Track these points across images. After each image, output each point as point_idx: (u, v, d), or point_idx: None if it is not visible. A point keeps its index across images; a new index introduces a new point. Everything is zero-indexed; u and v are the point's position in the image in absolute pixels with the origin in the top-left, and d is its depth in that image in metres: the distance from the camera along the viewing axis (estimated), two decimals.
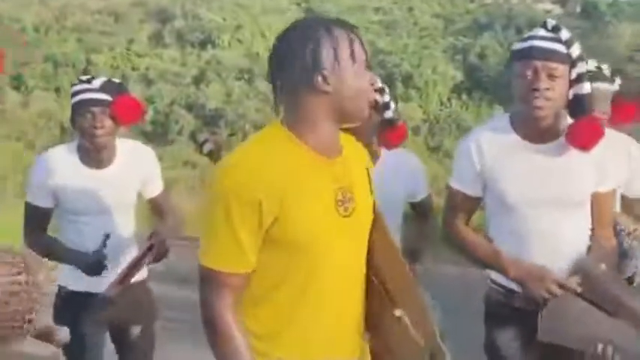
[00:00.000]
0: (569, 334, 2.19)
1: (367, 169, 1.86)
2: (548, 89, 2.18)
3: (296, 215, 1.79)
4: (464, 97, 30.22)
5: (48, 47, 31.87)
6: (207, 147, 29.51)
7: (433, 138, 28.66)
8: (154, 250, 2.99)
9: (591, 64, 2.74)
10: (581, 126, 2.25)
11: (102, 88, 3.00)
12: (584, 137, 2.25)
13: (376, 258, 1.85)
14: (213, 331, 1.91)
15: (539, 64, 2.20)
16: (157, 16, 35.92)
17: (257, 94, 31.51)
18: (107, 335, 3.28)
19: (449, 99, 30.86)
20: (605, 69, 2.82)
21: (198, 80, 31.80)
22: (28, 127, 26.40)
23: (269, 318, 1.89)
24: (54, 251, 3.09)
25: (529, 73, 2.20)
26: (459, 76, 30.83)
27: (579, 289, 2.19)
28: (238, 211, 1.76)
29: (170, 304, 3.14)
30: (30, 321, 2.10)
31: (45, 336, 2.19)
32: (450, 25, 35.66)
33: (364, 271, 1.89)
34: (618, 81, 2.83)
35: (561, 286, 2.21)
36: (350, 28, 1.81)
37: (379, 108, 2.91)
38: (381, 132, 2.90)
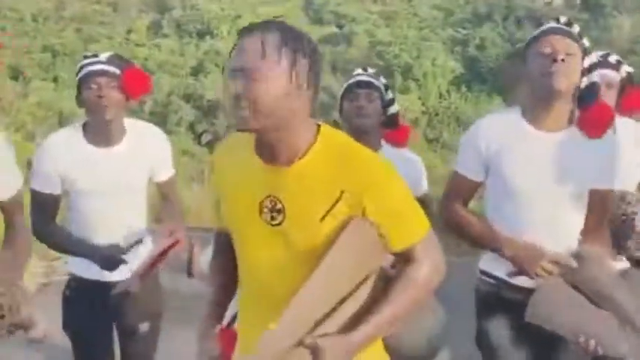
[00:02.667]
0: (555, 319, 2.19)
1: (342, 191, 1.73)
2: (565, 63, 2.19)
3: (226, 204, 1.90)
4: (463, 88, 30.18)
5: (46, 37, 31.78)
6: (205, 138, 29.52)
7: (432, 130, 28.66)
8: (178, 246, 2.88)
9: (598, 54, 2.75)
10: (593, 112, 2.26)
11: (109, 61, 2.89)
12: (598, 124, 2.26)
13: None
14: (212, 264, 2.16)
15: (557, 38, 2.22)
16: (155, 6, 35.84)
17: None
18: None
19: (448, 91, 30.82)
20: (612, 57, 2.80)
21: (196, 71, 31.76)
22: (27, 118, 26.35)
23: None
24: (65, 244, 2.97)
25: (547, 49, 2.21)
26: (459, 67, 30.79)
27: (574, 265, 2.19)
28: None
29: (169, 294, 3.14)
30: (2, 317, 2.09)
31: (23, 327, 2.17)
32: (449, 16, 35.59)
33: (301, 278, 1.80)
34: (626, 68, 2.81)
35: (555, 262, 2.21)
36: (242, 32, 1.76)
37: (381, 104, 2.86)
38: (386, 131, 2.87)
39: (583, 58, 2.26)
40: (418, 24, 35.21)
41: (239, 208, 1.82)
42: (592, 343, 2.14)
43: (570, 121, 2.30)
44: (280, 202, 1.73)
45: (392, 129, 2.89)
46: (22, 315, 2.15)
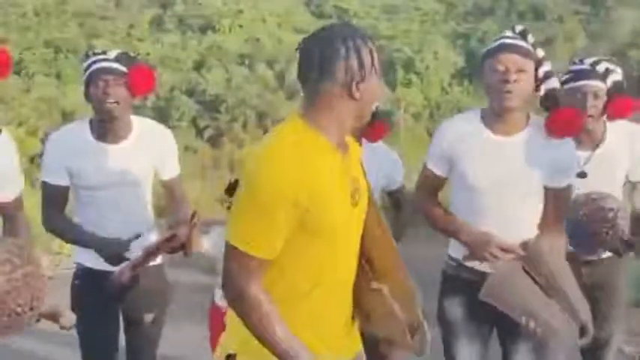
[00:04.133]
0: (505, 299, 2.52)
1: (360, 161, 2.03)
2: (516, 81, 2.44)
3: (324, 207, 1.91)
4: (465, 82, 30.16)
5: (49, 32, 31.80)
6: (207, 133, 29.57)
7: (434, 123, 28.64)
8: (175, 241, 2.96)
9: (586, 64, 2.93)
10: (560, 117, 2.49)
11: (116, 59, 2.98)
12: (564, 127, 2.51)
13: (366, 237, 1.97)
14: (241, 302, 2.01)
15: (508, 57, 2.48)
16: (157, 1, 35.81)
17: (258, 80, 31.41)
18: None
19: (450, 85, 30.78)
20: (600, 66, 2.91)
21: (198, 66, 31.74)
22: (30, 113, 26.39)
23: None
24: (74, 235, 3.09)
25: (499, 67, 2.46)
26: (461, 61, 30.75)
27: (522, 253, 2.46)
28: (273, 203, 1.87)
29: (176, 288, 3.18)
30: (32, 309, 2.15)
31: (50, 317, 2.24)
32: (451, 9, 35.52)
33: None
34: (614, 78, 2.93)
35: (504, 249, 2.48)
36: (368, 37, 2.00)
37: None
38: (365, 126, 3.01)
39: (538, 67, 2.49)
40: (420, 18, 35.13)
41: (334, 207, 1.91)
42: (532, 324, 2.44)
43: (525, 124, 2.53)
44: (357, 182, 1.94)
45: (370, 125, 3.04)
46: (47, 305, 2.22)
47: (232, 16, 35.41)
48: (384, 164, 3.00)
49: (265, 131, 29.97)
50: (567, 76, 2.95)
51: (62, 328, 2.30)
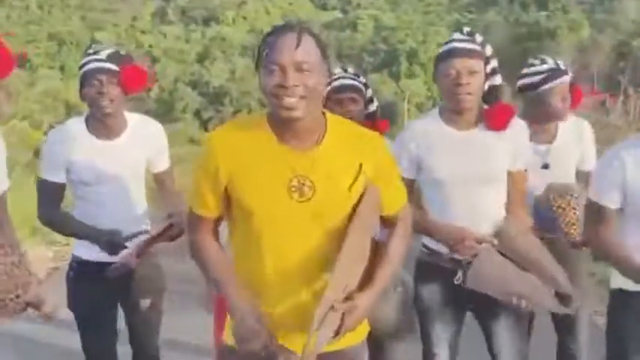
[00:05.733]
0: (489, 284, 2.56)
1: (360, 164, 1.99)
2: (469, 84, 2.57)
3: (242, 188, 2.00)
4: None
5: (52, 25, 31.84)
6: (212, 124, 29.59)
7: None
8: (172, 230, 3.05)
9: (551, 62, 3.16)
10: (496, 110, 2.69)
11: (108, 58, 3.06)
12: (499, 120, 2.67)
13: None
14: (191, 250, 2.16)
15: (459, 62, 2.61)
16: None
17: None
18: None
19: None
20: (562, 64, 3.14)
21: (202, 58, 31.80)
22: (34, 106, 26.49)
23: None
24: (70, 227, 3.15)
25: (452, 71, 2.59)
26: None
27: (495, 242, 2.57)
28: (203, 169, 2.02)
29: (173, 277, 3.22)
30: (18, 296, 2.18)
31: (34, 305, 2.27)
32: (455, 0, 35.44)
33: (331, 247, 2.04)
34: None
35: (479, 241, 2.58)
36: (280, 29, 1.98)
37: (364, 102, 3.07)
38: (364, 125, 3.09)
39: (487, 64, 2.62)
40: (423, 8, 35.07)
41: (262, 190, 1.96)
42: (523, 302, 2.54)
43: (480, 118, 2.69)
44: (309, 179, 1.93)
45: (371, 124, 3.09)
46: (32, 293, 2.25)
47: (236, 7, 35.45)
48: None
49: None
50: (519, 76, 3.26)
51: (45, 315, 2.33)
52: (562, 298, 2.53)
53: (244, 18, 33.68)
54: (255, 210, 1.99)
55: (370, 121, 3.09)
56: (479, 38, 2.65)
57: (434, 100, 29.82)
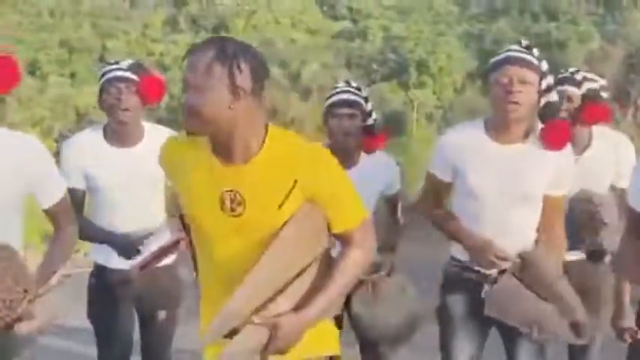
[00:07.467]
0: (507, 312, 2.55)
1: (295, 180, 1.95)
2: (520, 92, 2.51)
3: (184, 199, 2.07)
4: (478, 83, 30.15)
5: (63, 32, 32.03)
6: None
7: (446, 124, 28.65)
8: (179, 245, 3.03)
9: (569, 71, 3.14)
10: (553, 128, 2.61)
11: (129, 69, 3.11)
12: (555, 138, 2.59)
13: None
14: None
15: (512, 70, 2.56)
16: (171, 1, 36.03)
17: (270, 80, 31.37)
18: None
19: (463, 85, 30.78)
20: (579, 75, 3.12)
21: None
22: (45, 113, 26.60)
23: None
24: (89, 233, 3.17)
25: (504, 79, 2.53)
26: (474, 62, 30.75)
27: (517, 260, 2.54)
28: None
29: (188, 285, 3.22)
30: (10, 308, 2.18)
31: (21, 319, 2.26)
32: (465, 10, 35.48)
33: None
34: (589, 85, 3.13)
35: (502, 258, 2.56)
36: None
37: (362, 117, 3.09)
38: (363, 138, 3.13)
39: (541, 80, 2.57)
40: (433, 19, 35.11)
41: (199, 203, 2.00)
42: (535, 331, 2.53)
43: (527, 134, 2.62)
44: (240, 195, 1.93)
45: (369, 137, 3.11)
46: (22, 310, 2.25)
47: (246, 16, 35.60)
48: (384, 172, 3.07)
49: None
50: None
51: (26, 333, 2.30)
52: (577, 326, 2.51)
53: (254, 27, 33.80)
54: (194, 221, 2.06)
55: (368, 134, 3.11)
56: (536, 52, 2.59)
57: (443, 110, 29.77)
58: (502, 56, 2.58)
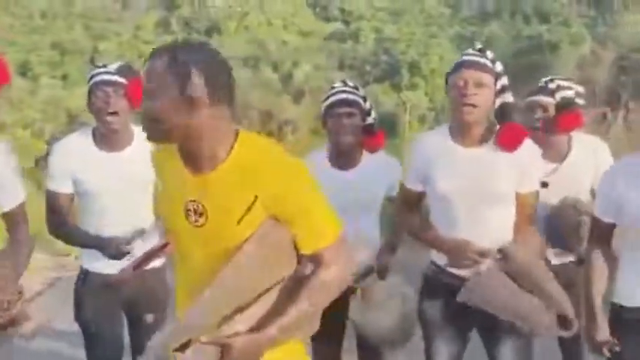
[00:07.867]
0: (488, 301, 2.56)
1: (256, 196, 1.84)
2: (475, 94, 2.58)
3: (159, 205, 2.09)
4: None
5: (55, 34, 31.92)
6: None
7: (439, 126, 28.70)
8: (169, 247, 3.03)
9: (542, 81, 3.22)
10: (507, 130, 2.66)
11: (117, 72, 3.07)
12: (509, 139, 2.63)
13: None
14: None
15: (467, 73, 2.62)
16: (163, 3, 35.96)
17: (262, 82, 31.51)
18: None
19: None
20: (552, 84, 3.18)
21: None
22: (36, 115, 26.50)
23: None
24: (77, 238, 3.15)
25: (460, 82, 2.59)
26: None
27: (498, 256, 2.57)
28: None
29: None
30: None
31: (16, 320, 2.24)
32: (456, 13, 35.56)
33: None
34: (562, 94, 3.20)
35: (481, 254, 2.59)
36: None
37: (362, 116, 3.07)
38: (364, 138, 3.13)
39: (496, 81, 2.63)
40: (425, 21, 35.17)
41: (170, 211, 2.00)
42: (518, 322, 2.57)
43: (490, 135, 2.68)
44: (203, 206, 1.89)
45: (369, 136, 3.10)
46: (17, 311, 2.23)
47: (238, 18, 35.55)
48: (387, 172, 3.04)
49: (269, 133, 30.01)
50: (527, 93, 3.28)
51: (20, 335, 2.29)
52: (564, 321, 2.52)
53: (246, 28, 33.76)
54: (167, 228, 2.08)
55: (368, 133, 3.10)
56: (490, 54, 2.66)
57: (435, 111, 29.82)
58: (458, 60, 2.69)
